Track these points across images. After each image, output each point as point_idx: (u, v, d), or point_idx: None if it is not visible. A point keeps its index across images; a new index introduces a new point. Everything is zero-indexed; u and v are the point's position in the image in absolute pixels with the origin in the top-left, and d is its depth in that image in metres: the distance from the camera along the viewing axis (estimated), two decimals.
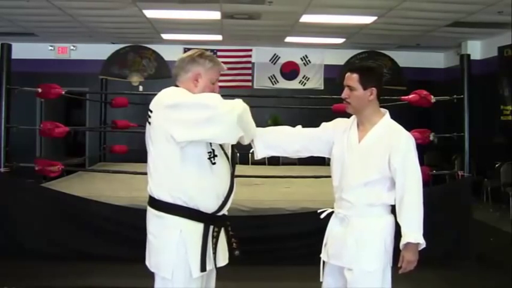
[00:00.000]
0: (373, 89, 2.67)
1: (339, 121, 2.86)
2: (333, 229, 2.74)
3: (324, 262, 2.78)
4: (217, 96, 2.45)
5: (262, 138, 2.78)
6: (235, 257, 2.59)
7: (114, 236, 5.08)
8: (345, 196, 2.67)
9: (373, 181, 2.61)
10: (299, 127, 2.92)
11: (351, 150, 2.67)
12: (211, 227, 2.47)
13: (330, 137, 2.81)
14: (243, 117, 2.44)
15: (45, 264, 4.81)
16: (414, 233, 2.51)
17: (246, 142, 2.64)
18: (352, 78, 2.68)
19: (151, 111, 2.47)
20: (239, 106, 2.44)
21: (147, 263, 2.54)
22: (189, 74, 2.54)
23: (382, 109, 2.76)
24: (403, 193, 2.55)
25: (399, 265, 2.58)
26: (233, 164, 2.62)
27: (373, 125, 2.68)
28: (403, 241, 2.52)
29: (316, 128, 2.89)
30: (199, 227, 2.44)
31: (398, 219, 2.58)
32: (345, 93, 2.72)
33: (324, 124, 2.91)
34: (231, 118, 2.37)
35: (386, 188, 2.62)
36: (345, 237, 2.64)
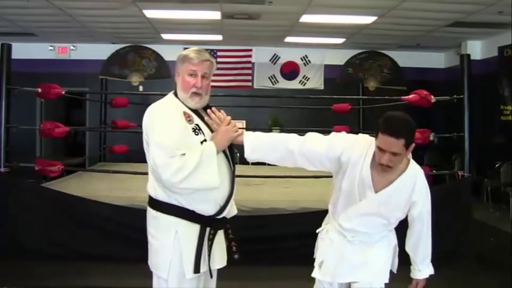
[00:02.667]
0: (413, 144, 2.43)
1: (350, 147, 2.53)
2: (332, 247, 2.68)
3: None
4: (172, 154, 2.33)
5: (255, 150, 2.58)
6: (238, 258, 2.58)
7: (113, 236, 5.08)
8: (352, 227, 2.60)
9: (386, 223, 2.62)
10: (299, 142, 2.60)
11: (366, 196, 2.51)
12: (208, 229, 2.47)
13: (335, 161, 2.56)
14: (173, 183, 2.35)
15: (45, 264, 4.81)
16: (429, 269, 2.68)
17: None
18: (397, 145, 2.34)
19: None
20: (182, 172, 2.32)
21: (149, 262, 2.55)
22: (176, 73, 2.61)
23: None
24: (421, 237, 2.62)
25: None
26: (233, 164, 2.59)
27: (398, 173, 2.48)
28: (419, 276, 2.67)
29: (321, 149, 2.57)
30: (195, 228, 2.44)
31: (412, 256, 2.66)
32: (387, 160, 2.38)
33: (329, 146, 2.56)
34: (161, 178, 2.35)
35: (395, 223, 2.66)
36: (349, 254, 2.63)
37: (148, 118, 2.47)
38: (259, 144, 2.58)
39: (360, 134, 2.67)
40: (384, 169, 2.43)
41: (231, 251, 2.59)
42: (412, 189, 2.50)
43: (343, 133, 2.68)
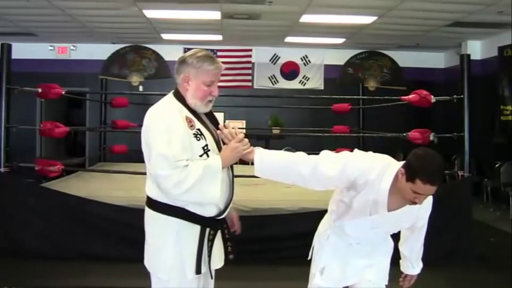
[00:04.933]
0: None
1: (367, 170, 2.40)
2: (336, 252, 2.67)
3: None
4: (174, 163, 2.30)
5: (265, 173, 2.52)
6: (233, 258, 2.58)
7: (113, 236, 5.08)
8: (358, 236, 2.62)
9: (391, 232, 2.70)
10: (310, 165, 2.44)
11: (377, 213, 2.45)
12: (208, 230, 2.46)
13: (349, 183, 2.44)
14: (174, 194, 2.34)
15: (45, 264, 4.81)
16: (420, 265, 2.81)
17: None
18: (433, 190, 2.32)
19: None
20: (182, 186, 2.29)
21: (145, 263, 2.54)
22: (181, 75, 2.48)
23: None
24: (418, 240, 2.70)
25: (401, 283, 2.81)
26: (231, 167, 2.56)
27: None
28: (412, 272, 2.80)
29: (334, 173, 2.41)
30: (196, 228, 2.43)
31: (407, 255, 2.76)
32: (422, 200, 2.35)
33: (344, 169, 2.41)
34: (161, 187, 2.34)
35: None
36: (354, 258, 2.64)
37: (150, 122, 2.42)
38: (269, 166, 2.51)
39: (376, 154, 2.51)
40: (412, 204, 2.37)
41: (227, 251, 2.58)
42: (421, 207, 2.47)
43: (358, 153, 2.50)
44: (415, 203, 2.34)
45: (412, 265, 2.77)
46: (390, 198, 2.39)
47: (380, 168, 2.39)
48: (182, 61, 2.48)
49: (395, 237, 2.75)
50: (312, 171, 2.43)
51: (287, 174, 2.51)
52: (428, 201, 2.50)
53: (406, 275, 2.79)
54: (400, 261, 2.81)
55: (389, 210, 2.42)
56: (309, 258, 2.80)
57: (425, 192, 2.30)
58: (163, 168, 2.31)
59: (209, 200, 2.39)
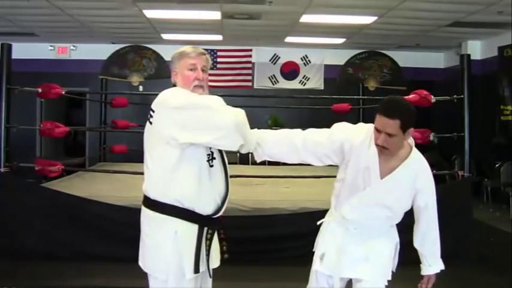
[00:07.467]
0: (411, 128, 2.44)
1: (351, 135, 2.54)
2: (333, 239, 2.66)
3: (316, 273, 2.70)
4: (219, 100, 2.44)
5: (261, 145, 2.66)
6: (232, 258, 2.59)
7: (114, 236, 5.08)
8: (354, 218, 2.59)
9: (391, 216, 2.61)
10: (301, 136, 2.66)
11: (371, 184, 2.49)
12: (206, 229, 2.47)
13: (338, 150, 2.57)
14: (242, 125, 2.43)
15: (45, 264, 4.81)
16: (439, 263, 2.69)
17: (243, 151, 2.62)
18: (392, 125, 2.35)
19: (153, 111, 2.45)
20: (240, 114, 2.44)
21: (140, 263, 2.55)
22: (172, 72, 2.61)
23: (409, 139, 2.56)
24: (428, 229, 2.61)
25: (421, 285, 2.69)
26: (225, 166, 2.58)
27: (400, 160, 2.49)
28: (429, 271, 2.67)
29: (322, 139, 2.60)
30: (194, 228, 2.44)
31: (421, 250, 2.66)
32: (383, 141, 2.39)
33: (330, 135, 2.60)
34: (231, 124, 2.38)
35: (400, 215, 2.64)
36: (350, 246, 2.61)
37: (173, 97, 2.45)
38: (265, 141, 2.66)
39: (362, 124, 2.65)
40: (381, 151, 2.43)
41: (222, 251, 2.61)
42: (416, 175, 2.47)
43: (344, 123, 2.69)
44: (379, 147, 2.40)
45: (428, 262, 2.65)
46: (381, 164, 2.46)
47: (364, 134, 2.52)
48: (170, 61, 2.62)
49: (403, 236, 2.70)
50: (303, 140, 2.62)
51: (282, 148, 2.68)
52: (426, 173, 2.53)
53: (425, 277, 2.68)
54: (421, 265, 2.71)
55: (382, 178, 2.47)
56: (313, 250, 2.80)
57: (382, 126, 2.37)
58: (217, 103, 2.44)
59: (250, 142, 2.51)
